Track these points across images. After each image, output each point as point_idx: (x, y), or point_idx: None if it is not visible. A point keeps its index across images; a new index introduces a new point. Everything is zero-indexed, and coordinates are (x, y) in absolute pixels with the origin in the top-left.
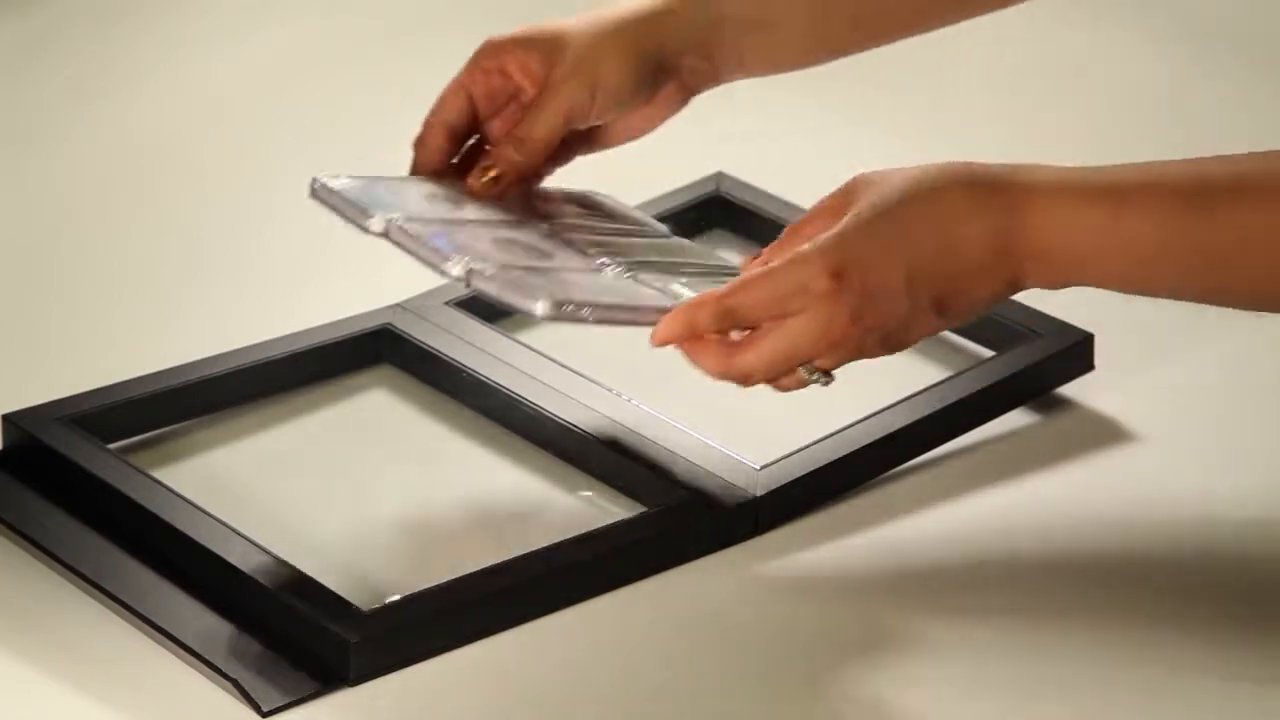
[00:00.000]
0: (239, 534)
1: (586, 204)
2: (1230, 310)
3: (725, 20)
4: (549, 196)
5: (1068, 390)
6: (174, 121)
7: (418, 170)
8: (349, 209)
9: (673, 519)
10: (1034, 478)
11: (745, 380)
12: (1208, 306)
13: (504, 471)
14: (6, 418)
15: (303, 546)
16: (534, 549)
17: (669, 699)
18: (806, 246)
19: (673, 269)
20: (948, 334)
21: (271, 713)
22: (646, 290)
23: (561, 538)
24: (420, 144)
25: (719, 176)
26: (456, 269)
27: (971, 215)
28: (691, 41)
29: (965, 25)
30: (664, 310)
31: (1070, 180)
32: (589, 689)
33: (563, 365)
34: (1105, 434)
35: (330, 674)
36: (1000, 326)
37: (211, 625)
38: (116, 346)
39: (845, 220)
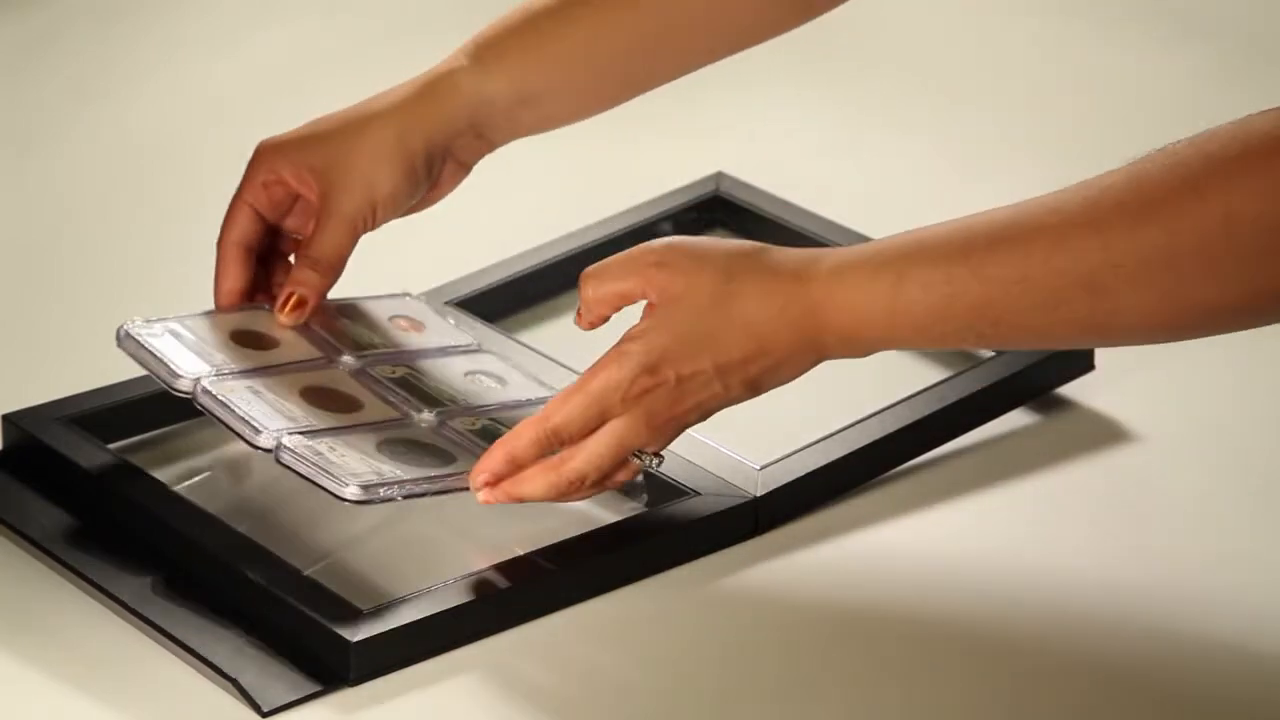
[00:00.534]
0: (239, 534)
1: (398, 322)
2: None
3: (493, 101)
4: (358, 315)
5: (1068, 390)
6: (174, 121)
7: (223, 302)
8: (158, 367)
9: (673, 519)
10: (1034, 478)
11: (578, 486)
12: None
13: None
14: (6, 418)
15: (303, 546)
16: (534, 549)
17: (669, 699)
18: (613, 350)
19: (479, 411)
20: None
21: (271, 713)
22: (455, 443)
23: (561, 538)
24: (220, 273)
25: (719, 176)
26: (266, 442)
27: (772, 312)
28: (460, 125)
29: (965, 25)
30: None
31: (855, 259)
32: (589, 689)
33: (563, 365)
34: (1105, 434)
35: (330, 674)
36: None
37: (211, 625)
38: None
39: (649, 320)
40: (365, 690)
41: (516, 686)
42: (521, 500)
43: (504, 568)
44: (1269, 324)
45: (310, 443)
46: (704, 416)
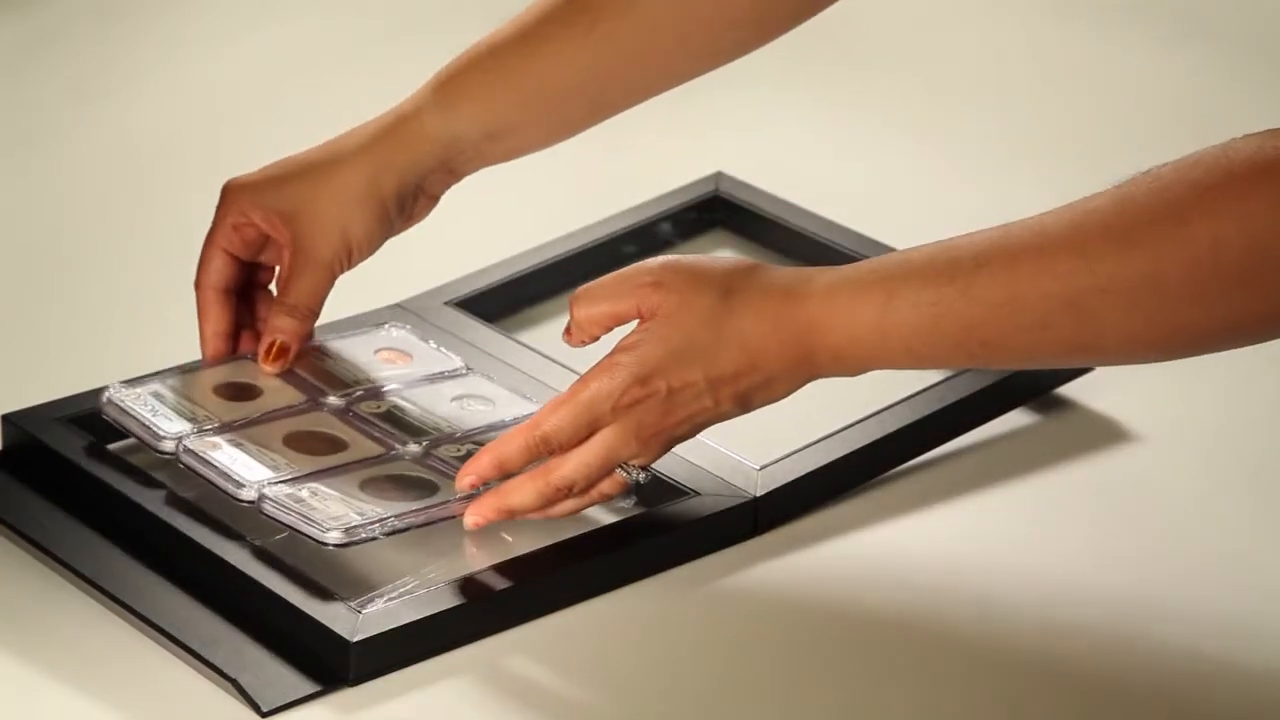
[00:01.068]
0: (239, 534)
1: (383, 355)
2: None
3: (461, 138)
4: (342, 353)
5: (1068, 390)
6: (174, 121)
7: (209, 345)
8: (141, 431)
9: (673, 519)
10: (1034, 478)
11: (565, 494)
12: None
13: None
14: (6, 418)
15: (303, 546)
16: (534, 549)
17: (669, 698)
18: (605, 360)
19: (464, 437)
20: None
21: (271, 713)
22: (441, 472)
23: (561, 538)
24: (202, 317)
25: (719, 176)
26: (249, 495)
27: (765, 328)
28: (430, 165)
29: (965, 25)
30: (462, 499)
31: (847, 278)
32: (589, 689)
33: (563, 365)
34: (1105, 434)
35: (330, 674)
36: None
37: (211, 625)
38: (116, 347)
39: (642, 332)
40: (365, 690)
41: (516, 686)
42: (510, 512)
43: (504, 568)
44: (1255, 344)
45: (292, 490)
46: (694, 431)
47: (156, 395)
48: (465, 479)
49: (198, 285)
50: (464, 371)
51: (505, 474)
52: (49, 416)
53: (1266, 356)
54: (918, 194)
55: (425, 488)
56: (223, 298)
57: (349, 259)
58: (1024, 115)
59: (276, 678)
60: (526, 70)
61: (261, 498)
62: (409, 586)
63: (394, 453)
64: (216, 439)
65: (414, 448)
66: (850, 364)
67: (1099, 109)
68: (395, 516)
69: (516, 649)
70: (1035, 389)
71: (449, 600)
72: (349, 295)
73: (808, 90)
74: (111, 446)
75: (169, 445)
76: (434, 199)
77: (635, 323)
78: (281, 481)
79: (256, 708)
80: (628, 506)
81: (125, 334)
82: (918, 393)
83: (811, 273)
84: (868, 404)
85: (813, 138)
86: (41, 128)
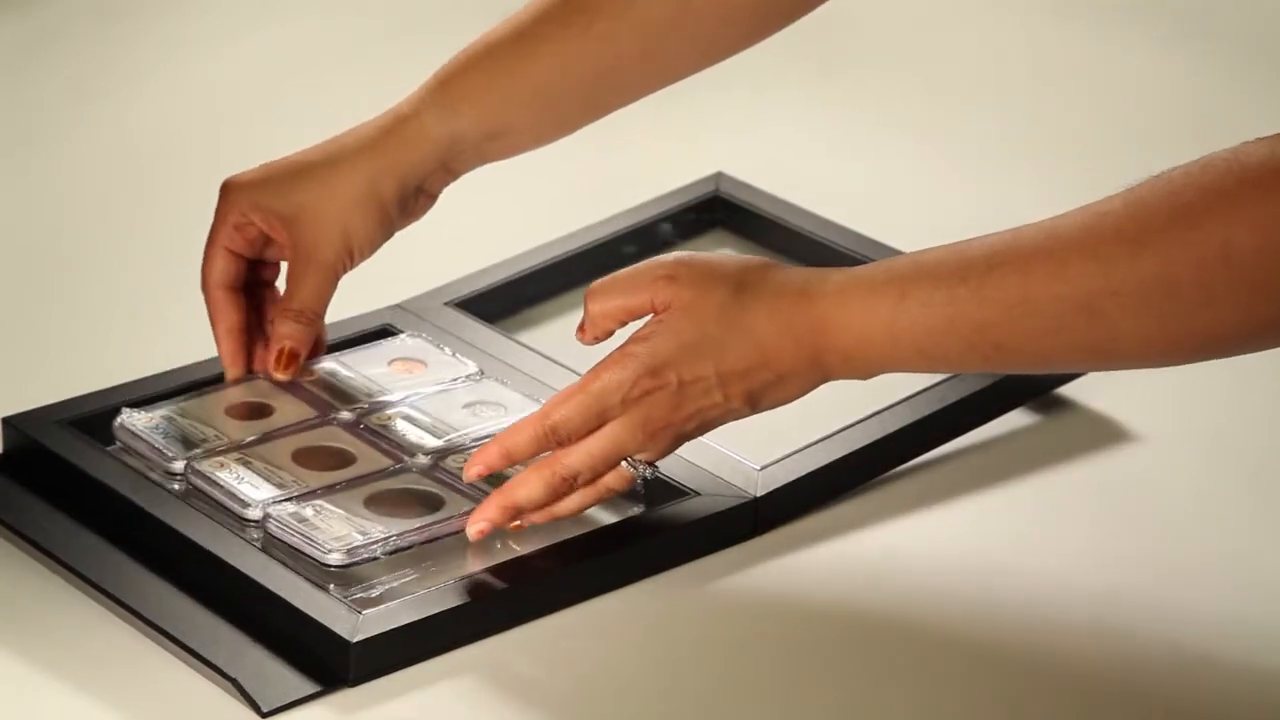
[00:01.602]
0: (239, 535)
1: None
2: None
3: (461, 139)
4: (356, 365)
5: (1068, 390)
6: (174, 121)
7: (224, 344)
8: (151, 453)
9: (673, 519)
10: (1034, 478)
11: (571, 484)
12: None
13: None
14: (6, 420)
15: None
16: (534, 549)
17: (669, 699)
18: (617, 352)
19: (472, 447)
20: None
21: (271, 713)
22: (447, 484)
23: (561, 538)
24: (213, 315)
25: (719, 176)
26: (254, 515)
27: (778, 326)
28: (430, 164)
29: (965, 25)
30: (465, 514)
31: (859, 278)
32: (589, 689)
33: (563, 365)
34: (1105, 434)
35: (330, 674)
36: None
37: (211, 625)
38: (116, 347)
39: (655, 325)
40: (365, 690)
41: (516, 686)
42: (516, 507)
43: (504, 568)
44: (1268, 349)
45: (296, 509)
46: (702, 429)
47: (168, 419)
48: (473, 469)
49: (204, 285)
50: (478, 376)
51: (513, 464)
52: (49, 419)
53: (1266, 356)
54: (918, 194)
55: (431, 503)
56: (230, 295)
57: (350, 260)
58: (1024, 115)
59: (276, 678)
60: (525, 70)
61: (266, 517)
62: (409, 586)
63: (402, 465)
64: (223, 458)
65: (422, 459)
66: (861, 365)
67: (1099, 109)
68: (397, 535)
69: (517, 649)
70: (1035, 389)
71: (449, 600)
72: (349, 296)
73: (808, 90)
74: (112, 449)
75: (179, 466)
76: (433, 198)
77: (648, 318)
78: (286, 500)
79: (256, 708)
80: (637, 512)
81: (125, 334)
82: (918, 393)
83: (825, 272)
84: (868, 404)
85: (812, 138)
86: (41, 128)
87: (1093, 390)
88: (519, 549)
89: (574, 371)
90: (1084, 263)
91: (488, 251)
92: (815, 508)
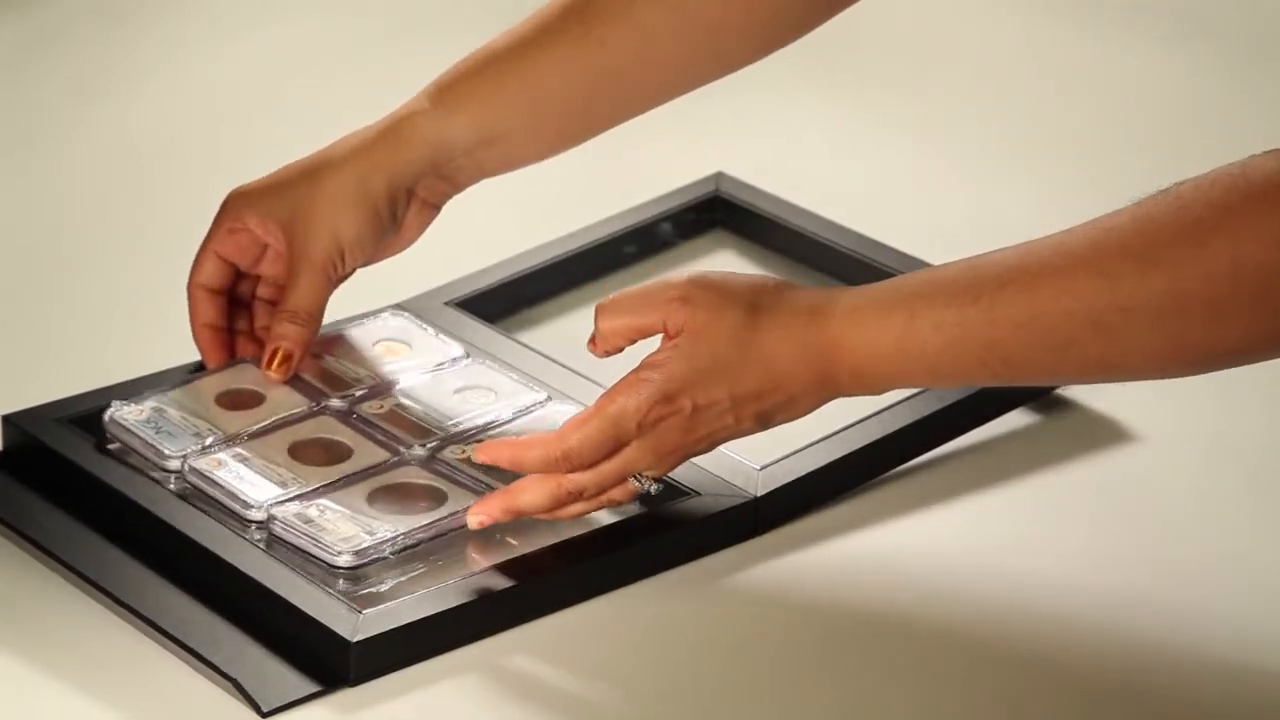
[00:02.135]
0: (239, 534)
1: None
2: None
3: (454, 142)
4: (342, 349)
5: (1068, 390)
6: (174, 121)
7: (200, 337)
8: (145, 449)
9: (673, 519)
10: (1034, 478)
11: (576, 497)
12: None
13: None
14: (6, 418)
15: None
16: (534, 549)
17: (669, 699)
18: (631, 376)
19: (469, 437)
20: None
21: (271, 713)
22: (447, 477)
23: (561, 538)
24: (192, 311)
25: (719, 176)
26: (257, 516)
27: (790, 348)
28: (422, 167)
29: (965, 25)
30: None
31: (870, 299)
32: (589, 689)
33: (563, 365)
34: (1105, 434)
35: (330, 674)
36: None
37: (211, 625)
38: (116, 347)
39: (670, 350)
40: (365, 690)
41: (516, 686)
42: (518, 511)
43: (504, 568)
44: (1274, 359)
45: (301, 509)
46: (712, 447)
47: (158, 411)
48: (479, 457)
49: (188, 285)
50: (465, 358)
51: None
52: (49, 417)
53: None
54: (918, 194)
55: (434, 497)
56: (210, 295)
57: (342, 261)
58: (1024, 115)
59: (276, 678)
60: (521, 76)
61: (270, 518)
62: (417, 580)
63: (400, 457)
64: (221, 455)
65: (420, 450)
66: (872, 383)
67: (1099, 109)
68: (404, 534)
69: (517, 649)
70: (1035, 389)
71: (450, 600)
72: (350, 296)
73: (808, 90)
74: (112, 446)
75: (174, 464)
76: (430, 209)
77: (659, 336)
78: (289, 500)
79: (257, 708)
80: (637, 512)
81: (125, 334)
82: (918, 393)
83: (836, 292)
84: (868, 404)
85: (812, 138)
86: (41, 128)
87: (1093, 390)
88: (515, 542)
89: (574, 371)
90: (1092, 279)
91: (488, 251)
92: (815, 508)
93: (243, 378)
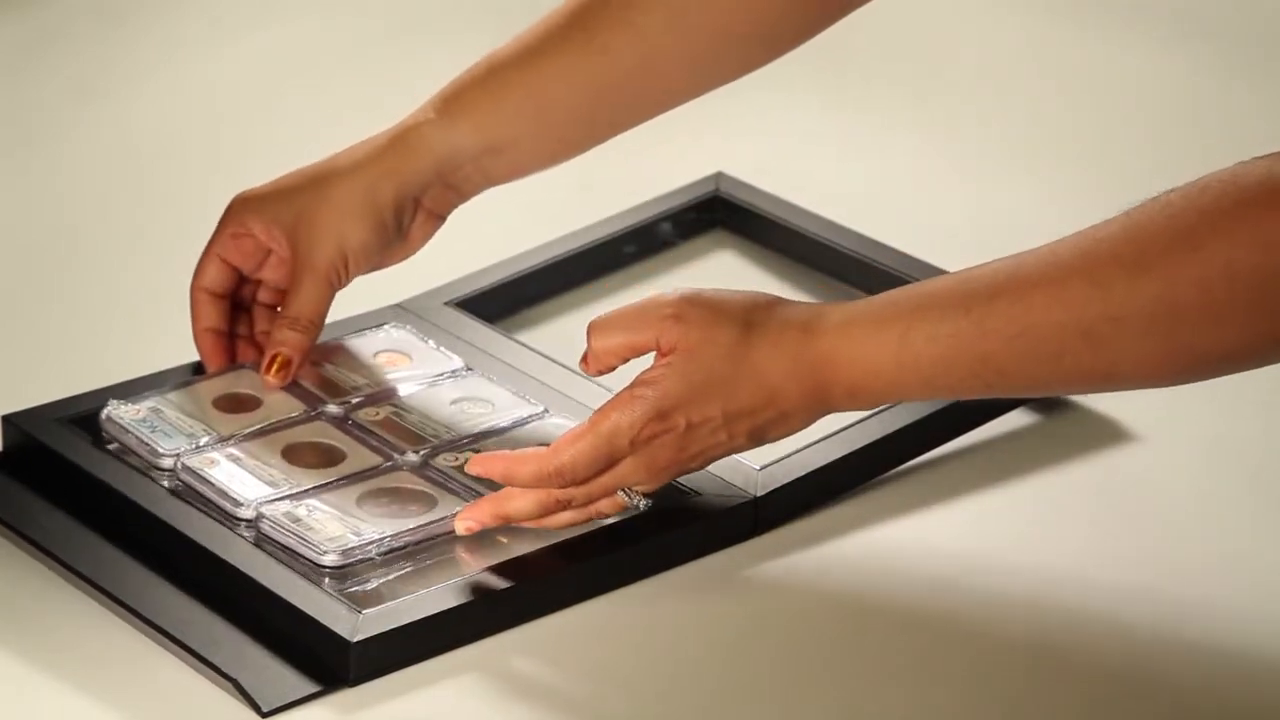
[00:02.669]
0: (239, 534)
1: (382, 357)
2: None
3: (460, 152)
4: (342, 358)
5: None
6: (174, 121)
7: (202, 342)
8: (140, 448)
9: (673, 519)
10: (1034, 478)
11: (564, 506)
12: None
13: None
14: (6, 419)
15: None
16: (534, 549)
17: (669, 699)
18: (625, 393)
19: (462, 444)
20: None
21: (271, 713)
22: (439, 483)
23: (561, 538)
24: (194, 315)
25: (719, 176)
26: (246, 514)
27: (783, 364)
28: (429, 176)
29: (964, 25)
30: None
31: (862, 314)
32: (589, 689)
33: (562, 365)
34: (1105, 434)
35: (330, 674)
36: None
37: (211, 625)
38: (116, 347)
39: (663, 368)
40: (365, 690)
41: (516, 686)
42: (506, 518)
43: (504, 568)
44: (1272, 364)
45: (290, 508)
46: (705, 464)
47: (155, 411)
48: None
49: (191, 287)
50: (464, 372)
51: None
52: (49, 417)
53: None
54: (918, 194)
55: (424, 502)
56: (212, 299)
57: (345, 269)
58: (1024, 115)
59: (276, 678)
60: (525, 85)
61: (259, 516)
62: (405, 579)
63: (393, 462)
64: (214, 455)
65: (412, 457)
66: (865, 398)
67: (1099, 109)
68: (391, 536)
69: (517, 649)
70: None
71: (449, 600)
72: (350, 295)
73: (808, 90)
74: (111, 446)
75: (168, 462)
76: (436, 218)
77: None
78: (279, 499)
79: (257, 708)
80: (637, 512)
81: (125, 334)
82: None
83: (829, 307)
84: None
85: (813, 138)
86: (41, 128)
87: None
88: (505, 541)
89: (574, 371)
90: (1084, 289)
91: (488, 251)
92: (815, 508)
93: (241, 382)
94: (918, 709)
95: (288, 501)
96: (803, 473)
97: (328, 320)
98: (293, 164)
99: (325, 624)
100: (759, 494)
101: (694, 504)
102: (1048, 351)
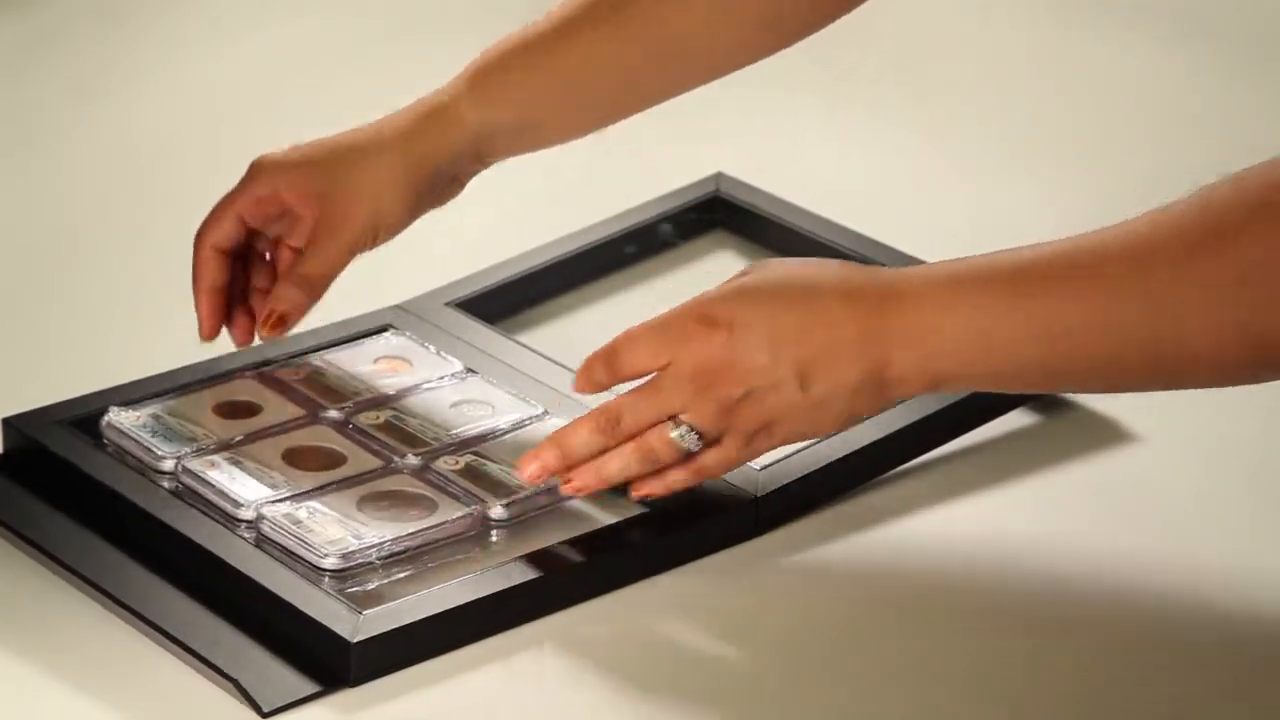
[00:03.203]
0: (239, 535)
1: (382, 364)
2: None
3: (496, 129)
4: (341, 365)
5: None
6: (174, 121)
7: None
8: (141, 452)
9: (673, 519)
10: (1034, 478)
11: (613, 423)
12: None
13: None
14: (6, 421)
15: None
16: (534, 549)
17: (669, 699)
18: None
19: (462, 447)
20: None
21: (271, 713)
22: (439, 487)
23: (562, 538)
24: (198, 273)
25: (719, 177)
26: (247, 515)
27: (841, 303)
28: (464, 155)
29: (965, 25)
30: (458, 518)
31: (935, 277)
32: (589, 689)
33: (562, 365)
34: (1105, 434)
35: (330, 674)
36: None
37: (211, 625)
38: (116, 347)
39: (718, 289)
40: (365, 690)
41: (516, 686)
42: (571, 454)
43: (504, 569)
44: None
45: (290, 510)
46: (747, 400)
47: (155, 417)
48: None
49: (198, 241)
50: (464, 375)
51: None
52: (49, 419)
53: None
54: (918, 194)
55: (424, 506)
56: (220, 257)
57: (373, 240)
58: (1024, 115)
59: (276, 678)
60: (557, 64)
61: (259, 518)
62: (404, 582)
63: (392, 465)
64: (214, 457)
65: (413, 460)
66: (923, 365)
67: (1099, 109)
68: (392, 540)
69: (517, 649)
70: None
71: (450, 601)
72: (350, 296)
73: (808, 90)
74: (112, 449)
75: (169, 465)
76: (460, 185)
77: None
78: (279, 500)
79: (257, 708)
80: (638, 512)
81: (125, 334)
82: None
83: (895, 272)
84: None
85: (813, 138)
86: (41, 128)
87: None
88: (502, 542)
89: (573, 371)
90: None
91: (488, 251)
92: (815, 508)
93: (241, 390)
94: (918, 709)
95: (288, 503)
96: (803, 473)
97: (327, 322)
98: None
99: (326, 624)
100: (759, 494)
101: (694, 504)
102: (1108, 349)
